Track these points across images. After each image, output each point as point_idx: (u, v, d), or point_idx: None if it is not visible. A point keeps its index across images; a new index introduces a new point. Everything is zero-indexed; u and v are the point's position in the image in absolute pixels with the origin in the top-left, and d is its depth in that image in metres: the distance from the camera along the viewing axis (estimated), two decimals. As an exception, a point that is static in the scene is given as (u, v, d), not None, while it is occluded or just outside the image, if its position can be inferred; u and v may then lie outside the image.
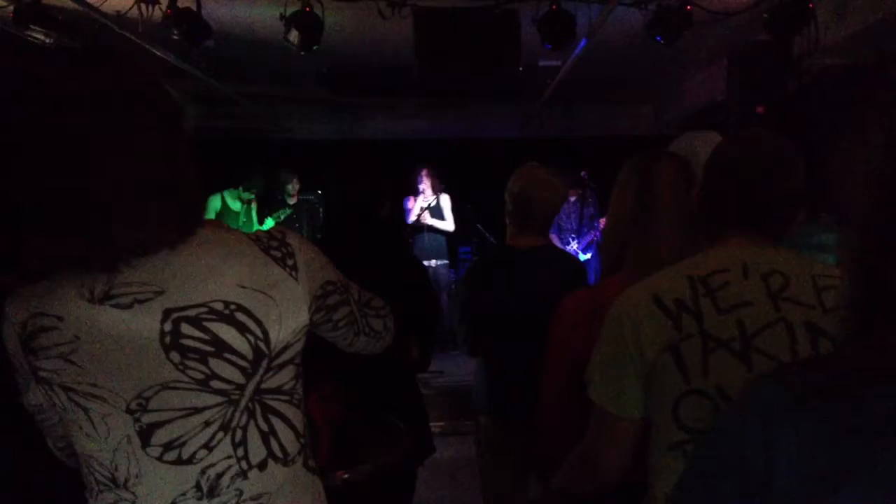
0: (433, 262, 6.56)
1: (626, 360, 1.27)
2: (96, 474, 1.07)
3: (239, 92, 6.93)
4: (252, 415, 1.09)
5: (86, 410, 1.03)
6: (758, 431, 0.61)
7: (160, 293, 1.03)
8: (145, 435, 1.03)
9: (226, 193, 6.25)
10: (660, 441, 1.27)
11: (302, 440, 1.17)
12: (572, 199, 6.58)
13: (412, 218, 6.55)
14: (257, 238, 1.14)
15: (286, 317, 1.10)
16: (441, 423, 4.84)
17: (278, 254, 1.13)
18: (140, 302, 1.02)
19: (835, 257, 2.28)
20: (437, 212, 6.64)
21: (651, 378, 1.25)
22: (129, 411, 1.03)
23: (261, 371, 1.08)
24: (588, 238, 6.56)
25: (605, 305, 1.37)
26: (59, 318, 1.02)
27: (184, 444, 1.05)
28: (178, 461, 1.05)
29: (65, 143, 0.96)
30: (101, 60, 1.03)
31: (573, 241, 6.60)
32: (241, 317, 1.06)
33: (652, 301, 1.26)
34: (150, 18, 4.28)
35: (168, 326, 1.02)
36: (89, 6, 4.20)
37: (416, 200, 6.63)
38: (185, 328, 1.03)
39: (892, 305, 0.60)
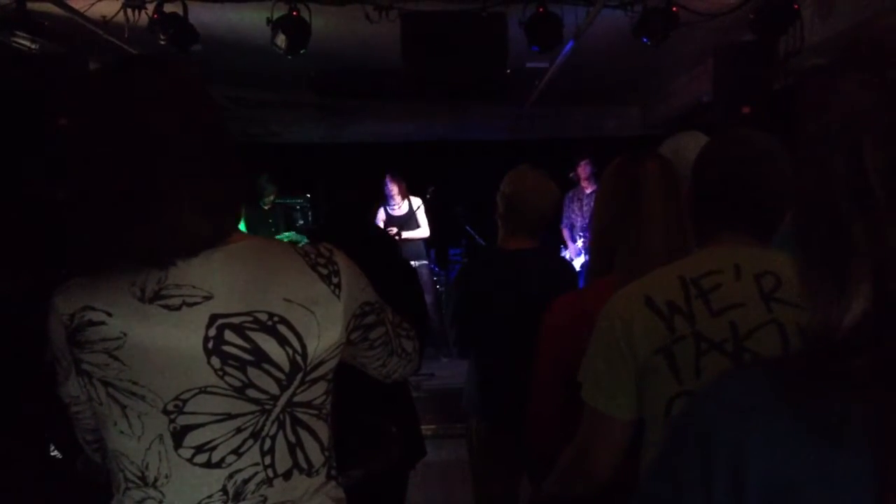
0: (414, 264, 6.50)
1: (619, 362, 1.27)
2: (126, 472, 1.08)
3: (226, 96, 6.90)
4: (282, 426, 1.10)
5: (123, 407, 1.05)
6: (729, 422, 0.61)
7: (209, 298, 1.05)
8: (178, 436, 1.05)
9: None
10: (652, 442, 1.27)
11: (327, 453, 1.19)
12: (588, 191, 6.29)
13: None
14: (305, 253, 1.16)
15: (325, 333, 1.12)
16: (432, 426, 4.83)
17: (325, 271, 1.15)
18: (189, 305, 1.05)
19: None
20: (409, 222, 6.53)
21: (643, 379, 1.25)
22: (165, 412, 1.04)
23: (295, 384, 1.10)
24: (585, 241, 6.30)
25: (594, 308, 1.37)
26: (108, 314, 1.04)
27: (215, 448, 1.06)
28: (208, 464, 1.06)
29: (125, 144, 0.99)
30: (158, 64, 1.06)
31: (581, 238, 6.24)
32: (282, 329, 1.07)
33: (644, 302, 1.26)
34: (137, 24, 4.26)
35: (212, 332, 1.04)
36: (75, 12, 4.18)
37: (384, 209, 6.46)
38: (229, 335, 1.05)
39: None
